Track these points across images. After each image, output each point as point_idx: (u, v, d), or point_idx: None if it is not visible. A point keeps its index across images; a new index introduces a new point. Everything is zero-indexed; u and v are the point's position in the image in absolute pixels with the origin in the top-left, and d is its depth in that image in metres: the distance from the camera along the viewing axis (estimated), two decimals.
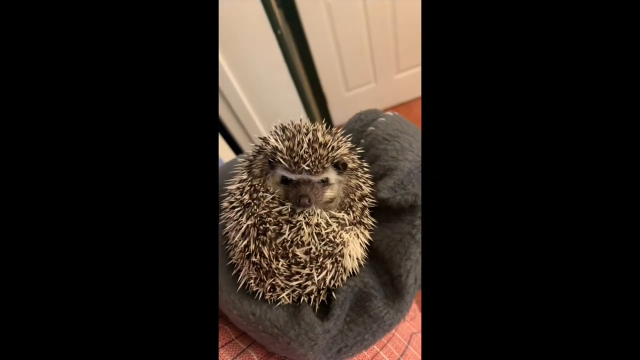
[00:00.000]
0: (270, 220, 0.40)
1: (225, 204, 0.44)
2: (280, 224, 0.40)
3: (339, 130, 0.47)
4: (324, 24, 1.81)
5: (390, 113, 0.52)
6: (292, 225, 0.40)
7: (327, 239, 0.40)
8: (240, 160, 0.47)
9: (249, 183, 0.43)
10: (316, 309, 0.41)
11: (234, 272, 0.43)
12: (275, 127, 0.46)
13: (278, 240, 0.39)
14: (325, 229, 0.40)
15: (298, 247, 0.39)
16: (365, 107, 0.54)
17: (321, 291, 0.41)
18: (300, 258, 0.39)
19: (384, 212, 0.45)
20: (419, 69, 2.27)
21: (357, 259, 0.42)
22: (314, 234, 0.39)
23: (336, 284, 0.41)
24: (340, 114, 2.37)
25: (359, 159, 0.47)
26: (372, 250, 0.44)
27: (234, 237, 0.42)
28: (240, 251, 0.41)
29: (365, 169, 0.46)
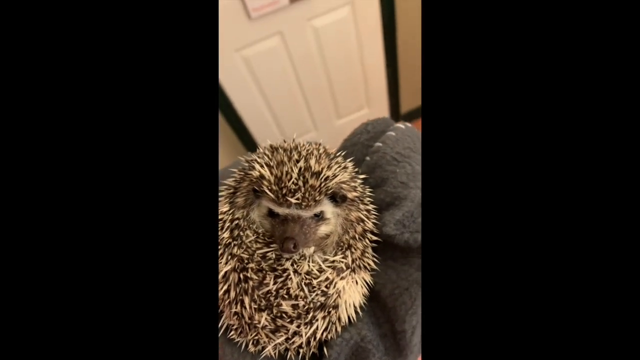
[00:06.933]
0: (252, 267, 0.34)
1: None
2: (264, 272, 0.34)
3: (338, 154, 0.40)
4: (245, 78, 1.39)
5: (401, 125, 0.44)
6: (277, 274, 0.34)
7: (319, 290, 0.34)
8: (224, 186, 0.40)
9: (231, 217, 0.37)
10: None
11: None
12: (264, 148, 0.39)
13: (261, 291, 0.34)
14: (316, 278, 0.34)
15: (284, 300, 0.33)
16: None
17: (311, 342, 0.36)
18: (286, 312, 0.33)
19: (389, 248, 0.39)
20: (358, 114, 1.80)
21: (354, 306, 0.37)
22: (304, 284, 0.33)
23: (329, 336, 0.36)
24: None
25: (361, 185, 0.40)
26: (373, 292, 0.38)
27: None
28: (220, 295, 0.36)
29: (369, 199, 0.40)
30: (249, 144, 1.67)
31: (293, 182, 0.33)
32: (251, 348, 0.35)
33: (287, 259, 0.34)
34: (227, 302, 0.35)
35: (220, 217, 0.37)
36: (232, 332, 0.36)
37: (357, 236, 0.37)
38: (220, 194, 0.39)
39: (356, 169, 0.41)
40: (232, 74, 1.33)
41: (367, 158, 0.43)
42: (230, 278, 0.34)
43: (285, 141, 0.39)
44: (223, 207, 0.38)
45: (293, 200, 0.33)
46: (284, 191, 0.34)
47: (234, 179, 0.40)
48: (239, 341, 0.36)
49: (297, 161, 0.35)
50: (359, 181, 0.40)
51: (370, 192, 0.40)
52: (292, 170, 0.34)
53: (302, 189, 0.34)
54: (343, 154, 0.41)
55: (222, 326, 0.37)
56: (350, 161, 0.40)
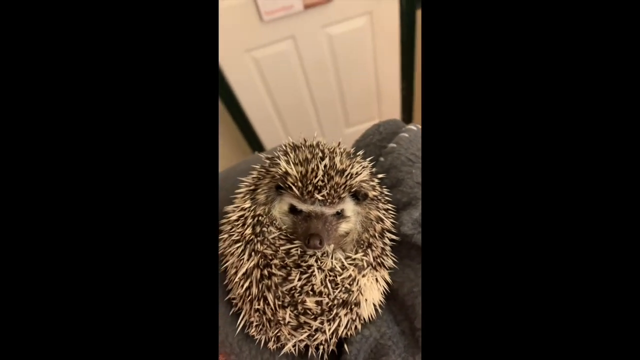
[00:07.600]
0: (276, 263, 0.34)
1: (224, 235, 0.38)
2: (288, 268, 0.34)
3: (359, 154, 0.40)
4: (254, 78, 1.41)
5: (413, 127, 0.44)
6: (302, 270, 0.34)
7: (343, 287, 0.34)
8: (244, 184, 0.40)
9: (252, 213, 0.37)
10: None
11: (233, 310, 0.38)
12: (285, 145, 0.39)
13: (285, 288, 0.34)
14: (340, 274, 0.34)
15: (308, 296, 0.34)
16: None
17: (331, 340, 0.36)
18: (310, 309, 0.34)
19: (405, 247, 0.39)
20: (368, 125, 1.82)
21: (374, 304, 0.37)
22: (328, 281, 0.34)
23: (349, 333, 0.36)
24: None
25: (378, 184, 0.40)
26: (391, 290, 0.39)
27: (235, 273, 0.37)
28: (241, 292, 0.36)
29: (387, 198, 0.40)
30: (254, 142, 1.68)
31: (320, 180, 0.34)
32: (271, 345, 0.36)
33: (311, 256, 0.34)
34: (248, 299, 0.35)
35: (241, 213, 0.37)
36: (252, 329, 0.36)
37: (376, 235, 0.38)
38: (239, 190, 0.40)
39: (373, 169, 0.41)
40: (240, 74, 1.34)
41: (382, 159, 0.43)
42: (253, 274, 0.35)
43: (305, 140, 0.39)
44: (245, 204, 0.38)
45: (319, 197, 0.34)
46: (310, 188, 0.34)
47: (253, 176, 0.40)
48: (257, 338, 0.36)
49: (322, 159, 0.35)
50: (377, 180, 0.40)
51: (387, 191, 0.40)
52: (318, 168, 0.34)
53: (327, 186, 0.34)
54: (361, 154, 0.42)
55: (239, 323, 0.37)
56: (367, 161, 0.41)
